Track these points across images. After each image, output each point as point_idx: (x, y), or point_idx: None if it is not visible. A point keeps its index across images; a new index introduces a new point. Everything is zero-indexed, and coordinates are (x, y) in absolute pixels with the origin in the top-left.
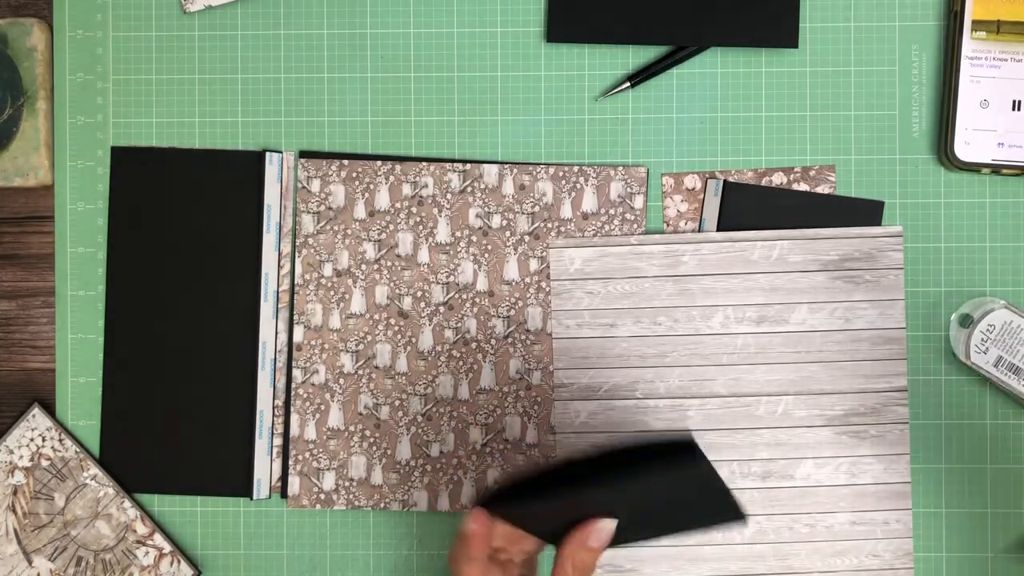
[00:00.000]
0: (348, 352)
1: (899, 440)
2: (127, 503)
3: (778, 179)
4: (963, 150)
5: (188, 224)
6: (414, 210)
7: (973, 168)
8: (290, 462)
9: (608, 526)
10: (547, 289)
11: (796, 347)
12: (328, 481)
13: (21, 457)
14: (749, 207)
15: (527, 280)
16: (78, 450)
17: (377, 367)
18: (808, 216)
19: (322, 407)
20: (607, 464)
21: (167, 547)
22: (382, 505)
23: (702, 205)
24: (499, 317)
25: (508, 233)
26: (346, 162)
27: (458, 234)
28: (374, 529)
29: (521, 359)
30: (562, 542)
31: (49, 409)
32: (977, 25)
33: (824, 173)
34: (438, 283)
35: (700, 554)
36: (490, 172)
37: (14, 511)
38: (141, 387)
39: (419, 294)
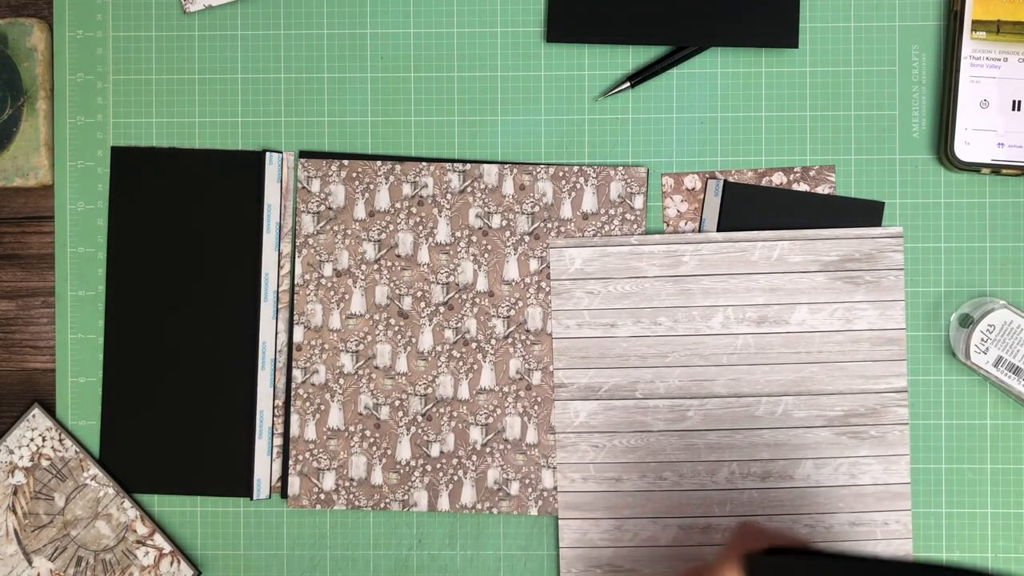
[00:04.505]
0: (348, 352)
1: (899, 441)
2: (127, 503)
3: (778, 179)
4: (963, 150)
5: (188, 224)
6: (414, 210)
7: (973, 168)
8: (290, 462)
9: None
10: (547, 289)
11: (796, 347)
12: (328, 481)
13: (21, 457)
14: (749, 207)
15: (527, 280)
16: (78, 450)
17: (377, 367)
18: (808, 216)
19: (322, 407)
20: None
21: (167, 547)
22: (382, 505)
23: (702, 205)
24: (499, 317)
25: (508, 233)
26: (346, 162)
27: (458, 234)
28: (374, 529)
29: (521, 359)
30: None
31: (49, 409)
32: (977, 25)
33: (824, 173)
34: (438, 283)
35: (700, 554)
36: (490, 172)
37: (14, 511)
38: (141, 387)
39: (419, 294)
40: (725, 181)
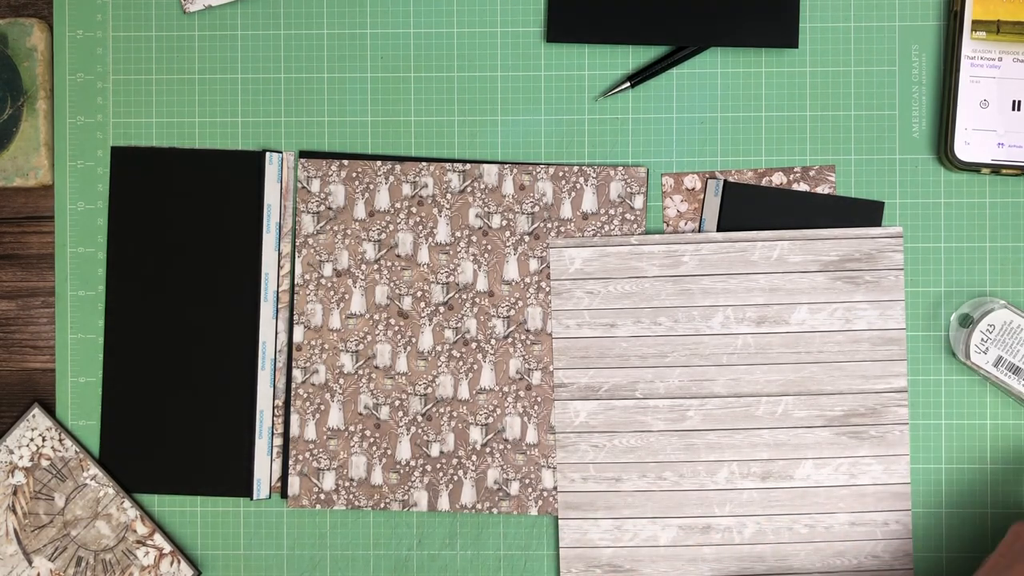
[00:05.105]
0: (348, 352)
1: (899, 441)
2: (127, 503)
3: (778, 179)
4: (963, 150)
5: (188, 224)
6: (414, 210)
7: (973, 168)
8: (290, 462)
9: None
10: (547, 289)
11: (796, 347)
12: (328, 481)
13: (21, 457)
14: (749, 207)
15: (527, 280)
16: (78, 450)
17: (377, 367)
18: (808, 216)
19: (322, 407)
20: None
21: (167, 547)
22: (382, 505)
23: (702, 205)
24: (499, 317)
25: (508, 233)
26: (346, 162)
27: (458, 234)
28: (374, 529)
29: (521, 359)
30: None
31: (49, 409)
32: (977, 25)
33: (824, 173)
34: (438, 283)
35: (700, 554)
36: (490, 172)
37: (14, 511)
38: (141, 387)
39: (419, 294)
40: (725, 181)
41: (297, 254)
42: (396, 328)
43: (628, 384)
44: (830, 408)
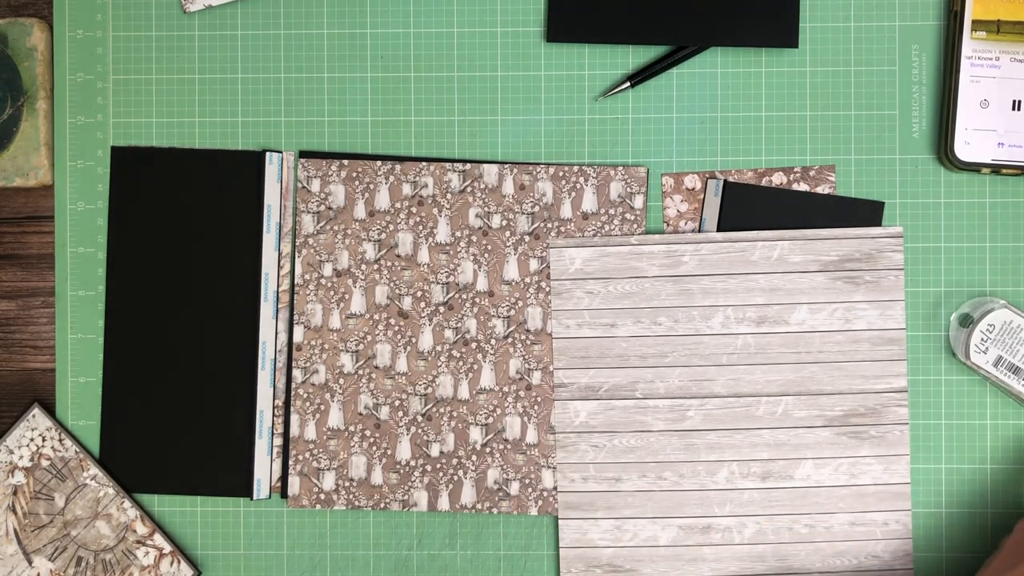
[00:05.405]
0: (348, 352)
1: (899, 441)
2: (127, 503)
3: (778, 179)
4: (963, 150)
5: (188, 224)
6: (414, 210)
7: (973, 168)
8: (290, 462)
9: None
10: (547, 289)
11: (796, 347)
12: (328, 481)
13: (21, 457)
14: (749, 207)
15: (527, 280)
16: (78, 450)
17: (377, 367)
18: (808, 216)
19: (322, 407)
20: None
21: (167, 547)
22: (382, 505)
23: (702, 205)
24: (499, 317)
25: (508, 233)
26: (346, 162)
27: (458, 234)
28: (374, 529)
29: (521, 359)
30: None
31: (49, 409)
32: (977, 25)
33: (824, 173)
34: (438, 283)
35: (700, 554)
36: (490, 172)
37: (14, 511)
38: (141, 387)
39: (419, 294)
40: (725, 181)
41: (297, 254)
42: (396, 328)
43: (628, 384)
44: (830, 408)
